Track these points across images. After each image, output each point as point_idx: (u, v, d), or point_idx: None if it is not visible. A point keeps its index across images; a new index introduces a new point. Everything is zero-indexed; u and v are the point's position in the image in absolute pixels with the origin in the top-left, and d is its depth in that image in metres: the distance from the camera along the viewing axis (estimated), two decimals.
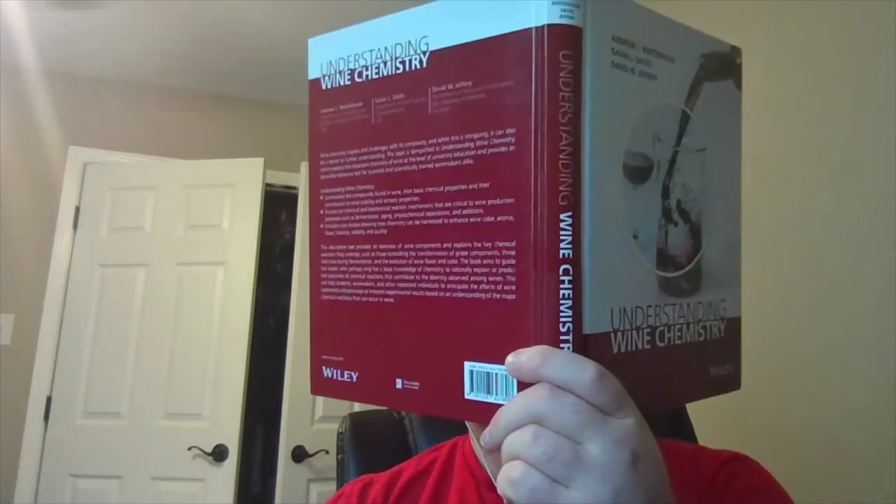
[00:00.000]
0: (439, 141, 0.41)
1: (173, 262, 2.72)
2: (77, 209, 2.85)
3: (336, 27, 0.50)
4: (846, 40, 1.37)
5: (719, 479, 0.61)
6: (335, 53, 0.47)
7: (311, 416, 2.57)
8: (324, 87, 0.47)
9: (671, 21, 0.43)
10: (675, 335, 0.44)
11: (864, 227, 1.29)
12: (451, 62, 0.40)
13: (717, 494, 0.59)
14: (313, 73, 0.48)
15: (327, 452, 2.52)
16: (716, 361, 0.48)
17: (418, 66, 0.42)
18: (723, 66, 0.48)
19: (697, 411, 0.98)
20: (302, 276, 2.61)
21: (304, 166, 2.70)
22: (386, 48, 0.43)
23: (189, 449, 2.52)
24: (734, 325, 0.50)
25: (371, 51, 0.44)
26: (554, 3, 0.36)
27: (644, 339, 0.41)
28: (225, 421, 2.55)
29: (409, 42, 0.42)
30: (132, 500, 2.54)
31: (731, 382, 0.49)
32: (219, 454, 2.52)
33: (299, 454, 2.50)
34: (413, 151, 0.42)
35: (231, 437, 2.53)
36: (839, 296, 1.33)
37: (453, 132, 0.40)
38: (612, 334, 0.39)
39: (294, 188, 2.82)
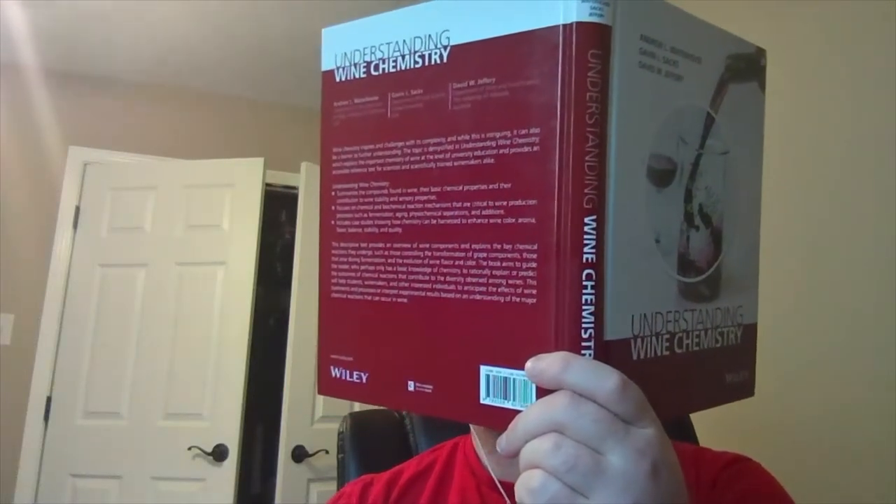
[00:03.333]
0: (459, 139, 0.40)
1: (173, 262, 2.72)
2: (77, 209, 2.85)
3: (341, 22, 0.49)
4: (847, 40, 1.37)
5: (721, 481, 0.60)
6: (350, 45, 0.45)
7: (311, 416, 2.57)
8: (338, 80, 0.46)
9: (699, 20, 0.42)
10: (693, 341, 0.43)
11: (864, 228, 1.29)
12: (473, 58, 0.39)
13: (718, 496, 0.59)
14: (327, 65, 0.47)
15: (327, 452, 2.52)
16: (731, 368, 0.47)
17: (438, 61, 0.40)
18: (748, 67, 0.47)
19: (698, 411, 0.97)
20: (302, 276, 2.61)
21: (305, 166, 2.69)
22: (405, 41, 0.42)
23: (189, 449, 2.52)
24: (750, 332, 0.49)
25: (388, 43, 0.43)
26: (584, 1, 0.35)
27: (663, 345, 0.40)
28: (225, 421, 2.55)
29: (430, 36, 0.41)
30: (132, 500, 2.54)
31: (745, 389, 0.49)
32: (219, 454, 2.52)
33: (299, 454, 2.50)
34: (431, 148, 0.41)
35: (231, 437, 2.53)
36: (839, 296, 1.33)
37: (474, 130, 0.39)
38: (633, 340, 0.38)
39: (294, 188, 2.82)
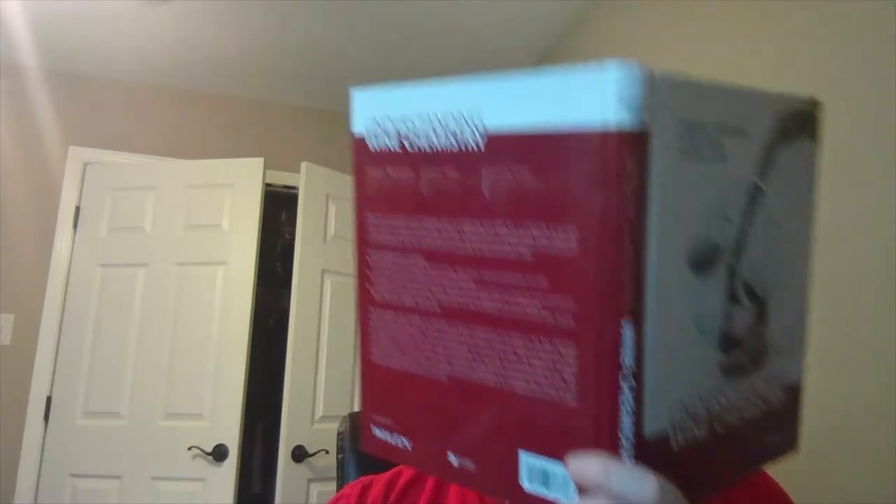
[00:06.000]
0: (495, 227, 0.38)
1: (173, 262, 2.72)
2: (77, 209, 2.85)
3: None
4: (847, 40, 1.36)
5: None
6: (382, 111, 0.43)
7: (311, 416, 2.57)
8: (370, 148, 0.44)
9: (744, 89, 0.40)
10: (735, 416, 0.41)
11: (865, 227, 1.29)
12: (509, 149, 0.38)
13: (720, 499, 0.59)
14: (357, 128, 0.45)
15: (327, 452, 2.52)
16: (774, 430, 0.45)
17: (474, 148, 0.39)
18: (799, 124, 0.45)
19: None
20: (302, 276, 2.61)
21: (305, 166, 2.70)
22: (437, 116, 0.40)
23: (189, 449, 2.52)
24: (795, 391, 0.47)
25: (421, 116, 0.41)
26: (621, 103, 0.34)
27: (703, 428, 0.39)
28: (225, 421, 2.55)
29: (464, 115, 0.39)
30: (132, 500, 2.54)
31: (788, 446, 0.47)
32: (219, 454, 2.52)
33: (299, 454, 2.50)
34: (467, 231, 0.40)
35: (231, 437, 2.53)
36: (839, 296, 1.32)
37: (510, 221, 0.38)
38: (672, 431, 0.37)
39: (294, 188, 2.82)
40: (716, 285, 0.39)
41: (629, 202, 0.34)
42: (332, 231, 2.76)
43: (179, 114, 3.10)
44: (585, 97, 0.34)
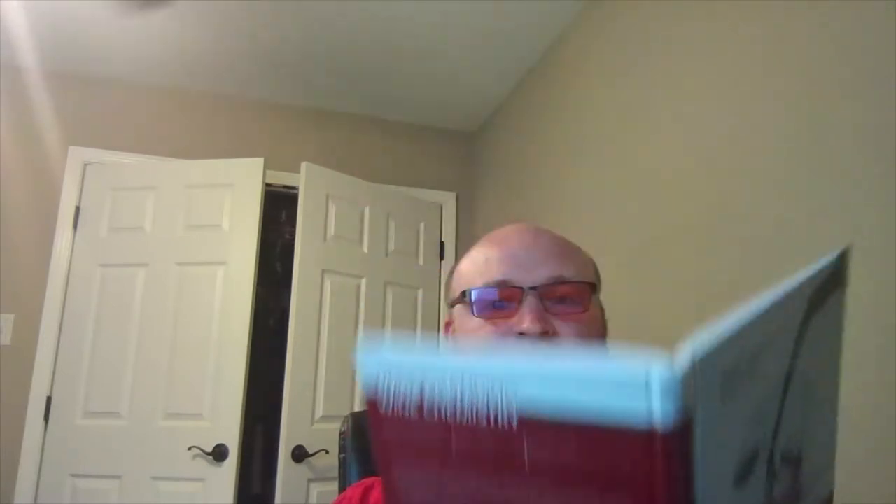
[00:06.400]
0: (542, 490, 0.37)
1: (173, 262, 2.72)
2: (77, 209, 2.85)
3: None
4: (847, 40, 1.37)
5: None
6: (395, 374, 0.40)
7: (311, 416, 2.57)
8: (383, 412, 0.41)
9: (780, 295, 0.39)
10: None
11: (864, 227, 1.29)
12: (549, 427, 0.36)
13: None
14: (368, 389, 0.41)
15: (327, 452, 2.53)
16: None
17: (506, 423, 0.37)
18: (830, 285, 0.44)
19: None
20: (302, 276, 2.61)
21: (304, 166, 2.70)
22: (463, 389, 0.38)
23: (189, 449, 2.52)
24: (828, 501, 0.46)
25: (445, 380, 0.38)
26: (665, 402, 0.32)
27: None
28: (225, 421, 2.55)
29: (494, 390, 0.37)
30: (132, 500, 2.54)
31: None
32: (219, 454, 2.52)
33: (299, 454, 2.51)
34: (508, 487, 0.37)
35: (231, 436, 2.53)
36: None
37: (556, 487, 0.36)
38: None
39: (294, 188, 2.82)
40: (757, 482, 0.38)
41: (678, 478, 0.34)
42: (332, 231, 2.77)
43: (180, 114, 3.10)
44: (627, 392, 0.33)
